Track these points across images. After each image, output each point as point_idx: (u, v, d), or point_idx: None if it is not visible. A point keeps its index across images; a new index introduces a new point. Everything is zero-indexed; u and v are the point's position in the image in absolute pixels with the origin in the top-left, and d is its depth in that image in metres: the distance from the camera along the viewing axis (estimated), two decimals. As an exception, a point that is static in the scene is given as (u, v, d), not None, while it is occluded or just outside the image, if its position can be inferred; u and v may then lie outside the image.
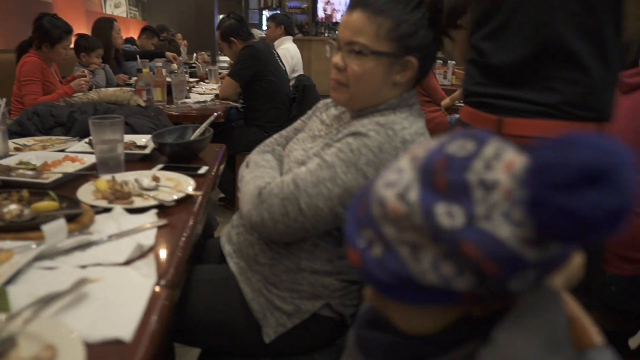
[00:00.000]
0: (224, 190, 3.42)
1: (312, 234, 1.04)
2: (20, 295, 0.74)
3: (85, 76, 3.18)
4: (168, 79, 3.08)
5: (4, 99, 1.49)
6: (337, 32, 1.14)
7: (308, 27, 9.86)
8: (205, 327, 1.11)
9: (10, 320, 0.65)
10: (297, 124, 1.34)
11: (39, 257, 0.87)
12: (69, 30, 3.15)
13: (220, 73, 4.24)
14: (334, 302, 1.09)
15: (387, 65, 1.04)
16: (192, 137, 1.62)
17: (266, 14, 10.54)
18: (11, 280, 0.79)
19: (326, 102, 1.29)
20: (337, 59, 1.07)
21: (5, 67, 3.48)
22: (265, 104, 3.28)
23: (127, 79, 4.09)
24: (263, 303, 1.07)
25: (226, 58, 6.07)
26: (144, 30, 5.69)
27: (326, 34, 9.40)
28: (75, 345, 0.60)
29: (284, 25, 4.40)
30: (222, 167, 1.63)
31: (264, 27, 8.87)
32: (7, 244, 0.89)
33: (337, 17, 9.95)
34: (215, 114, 1.73)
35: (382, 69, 1.04)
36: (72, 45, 3.50)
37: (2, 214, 0.99)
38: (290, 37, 4.41)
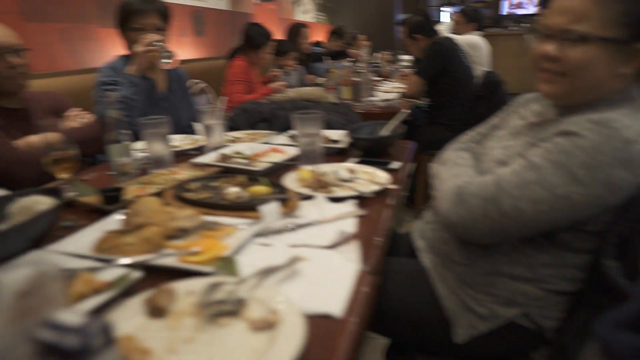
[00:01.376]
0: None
1: (514, 238, 0.99)
2: (244, 265, 0.85)
3: (277, 76, 3.50)
4: (355, 78, 3.20)
5: (225, 98, 1.71)
6: (531, 23, 1.05)
7: (492, 21, 9.37)
8: (395, 318, 1.13)
9: (239, 284, 0.74)
10: (495, 120, 1.29)
11: (257, 234, 0.98)
12: (269, 36, 3.50)
13: (401, 71, 4.27)
14: (532, 312, 1.02)
15: (613, 53, 0.93)
16: (385, 133, 1.66)
17: (446, 10, 10.29)
18: (236, 251, 0.90)
19: (526, 98, 1.21)
20: (548, 47, 0.99)
21: (218, 71, 4.00)
22: (450, 101, 3.21)
23: (315, 79, 4.37)
24: (456, 302, 1.05)
25: (407, 57, 6.09)
26: (332, 33, 6.03)
27: (515, 28, 8.81)
28: (295, 313, 0.67)
29: (474, 20, 4.27)
30: (412, 165, 1.65)
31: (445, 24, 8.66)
32: (231, 220, 1.02)
33: (527, 8, 9.27)
34: (405, 111, 1.74)
35: (607, 57, 0.93)
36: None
37: (226, 195, 1.14)
38: (478, 32, 4.25)
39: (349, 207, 1.12)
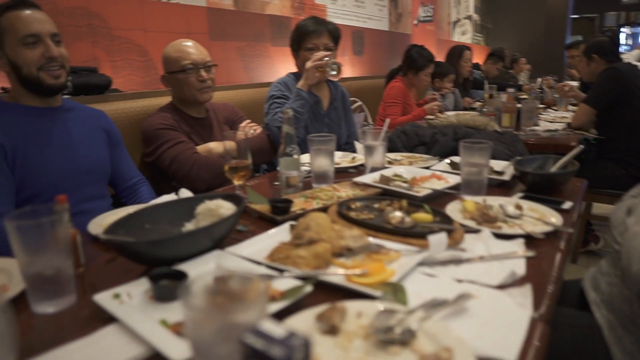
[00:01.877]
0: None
1: None
2: (410, 293, 0.85)
3: (436, 99, 3.45)
4: (518, 105, 3.04)
5: (388, 120, 1.74)
6: None
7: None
8: None
9: (409, 314, 0.74)
10: None
11: (421, 263, 0.97)
12: (431, 58, 3.49)
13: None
14: None
15: None
16: (555, 169, 1.55)
17: (625, 31, 9.29)
18: (402, 278, 0.90)
19: None
20: None
21: (375, 90, 4.09)
22: (626, 134, 2.88)
23: (472, 102, 4.24)
24: (635, 369, 0.94)
25: (574, 83, 5.62)
26: (489, 55, 5.81)
27: None
28: (468, 355, 0.64)
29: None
30: (583, 204, 1.50)
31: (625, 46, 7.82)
32: (395, 245, 1.03)
33: None
34: (579, 146, 1.60)
35: None
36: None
37: (389, 219, 1.15)
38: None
39: (517, 246, 1.06)
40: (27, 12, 1.46)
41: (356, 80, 4.30)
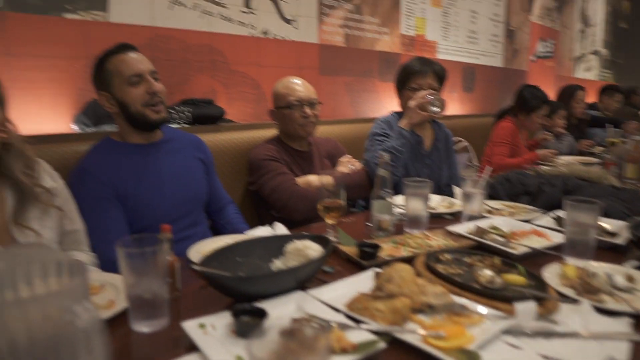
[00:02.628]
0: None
1: None
2: (489, 364, 0.80)
3: (547, 139, 3.25)
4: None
5: (490, 168, 1.68)
6: None
7: None
8: None
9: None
10: None
11: (505, 332, 0.92)
12: (545, 99, 3.31)
13: None
14: None
15: None
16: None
17: None
18: (481, 346, 0.86)
19: None
20: None
21: (483, 129, 3.95)
22: None
23: (590, 145, 3.92)
24: None
25: None
26: (603, 90, 5.29)
27: None
28: None
29: None
30: None
31: None
32: (480, 308, 0.98)
33: None
34: None
35: None
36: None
37: (477, 277, 1.10)
38: None
39: (621, 325, 0.96)
40: (130, 54, 1.62)
41: (464, 119, 4.20)
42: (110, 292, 1.10)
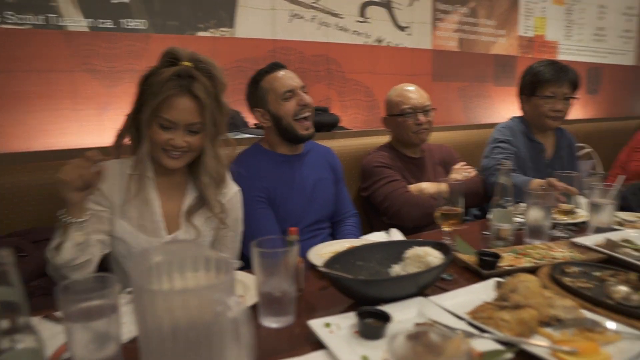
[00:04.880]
0: None
1: None
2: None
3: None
4: None
5: (622, 177, 1.57)
6: None
7: None
8: None
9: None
10: None
11: None
12: None
13: None
14: None
15: None
16: None
17: None
18: (618, 365, 0.82)
19: None
20: None
21: (611, 134, 3.66)
22: None
23: None
24: None
25: None
26: None
27: None
28: None
29: None
30: None
31: None
32: (615, 325, 0.93)
33: None
34: None
35: None
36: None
37: (611, 292, 1.04)
38: None
39: None
40: (282, 72, 1.77)
41: (587, 123, 3.90)
42: (239, 288, 1.19)
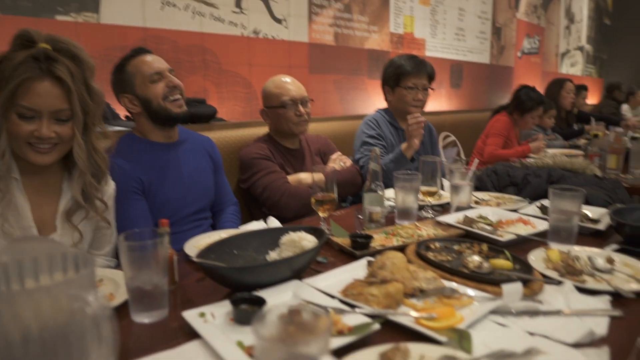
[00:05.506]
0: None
1: None
2: (477, 342, 0.85)
3: (539, 139, 3.32)
4: (627, 146, 2.84)
5: (477, 161, 1.73)
6: None
7: None
8: None
9: (471, 364, 0.74)
10: None
11: (493, 312, 0.96)
12: (540, 101, 3.39)
13: None
14: None
15: None
16: (657, 221, 1.44)
17: None
18: (471, 325, 0.91)
19: None
20: None
21: (472, 124, 4.03)
22: None
23: (577, 141, 4.00)
24: None
25: None
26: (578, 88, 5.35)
27: None
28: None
29: None
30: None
31: None
32: (469, 291, 1.03)
33: None
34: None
35: None
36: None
37: (467, 263, 1.15)
38: None
39: (601, 303, 1.01)
40: (149, 56, 1.71)
41: (452, 114, 4.26)
42: (110, 286, 1.13)
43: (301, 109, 2.11)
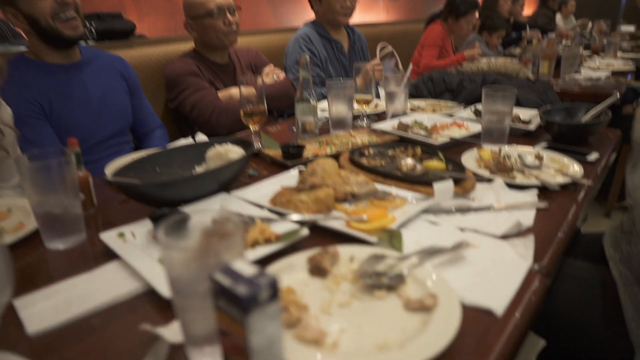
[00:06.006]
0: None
1: None
2: (408, 240, 0.83)
3: (477, 47, 3.30)
4: (558, 52, 2.87)
5: (410, 67, 1.68)
6: None
7: None
8: (562, 323, 1.02)
9: (401, 260, 0.73)
10: None
11: (426, 211, 0.95)
12: (475, 5, 3.32)
13: (621, 47, 3.69)
14: None
15: None
16: (585, 119, 1.47)
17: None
18: (403, 225, 0.89)
19: None
20: None
21: (411, 36, 3.95)
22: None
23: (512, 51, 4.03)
24: (646, 327, 0.90)
25: (630, 28, 5.25)
26: None
27: None
28: (454, 302, 0.63)
29: None
30: (613, 156, 1.43)
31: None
32: (402, 192, 1.01)
33: None
34: (616, 93, 1.50)
35: None
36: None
37: (400, 166, 1.12)
38: None
39: (529, 197, 1.02)
40: None
41: (389, 26, 4.14)
42: (19, 215, 1.03)
43: (230, 17, 1.96)
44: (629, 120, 2.40)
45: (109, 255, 0.84)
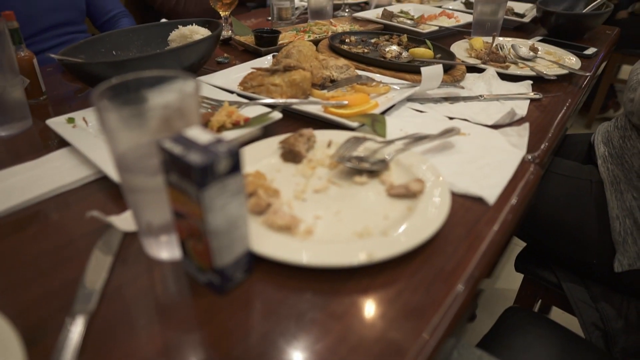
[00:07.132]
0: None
1: None
2: (392, 127, 0.76)
3: None
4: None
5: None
6: None
7: None
8: (544, 222, 0.98)
9: (385, 146, 0.65)
10: None
11: (411, 98, 0.87)
12: None
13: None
14: None
15: None
16: (585, 10, 1.36)
17: None
18: (386, 112, 0.81)
19: None
20: None
21: None
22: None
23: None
24: (629, 227, 0.87)
25: None
26: None
27: None
28: (443, 187, 0.57)
29: None
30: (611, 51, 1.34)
31: None
32: (386, 79, 0.91)
33: None
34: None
35: None
36: None
37: (384, 53, 1.02)
38: None
39: (523, 88, 0.94)
40: None
41: None
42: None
43: None
44: (621, 24, 2.28)
45: (61, 144, 0.74)
